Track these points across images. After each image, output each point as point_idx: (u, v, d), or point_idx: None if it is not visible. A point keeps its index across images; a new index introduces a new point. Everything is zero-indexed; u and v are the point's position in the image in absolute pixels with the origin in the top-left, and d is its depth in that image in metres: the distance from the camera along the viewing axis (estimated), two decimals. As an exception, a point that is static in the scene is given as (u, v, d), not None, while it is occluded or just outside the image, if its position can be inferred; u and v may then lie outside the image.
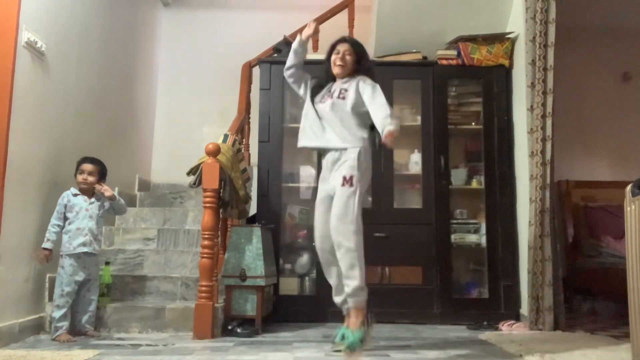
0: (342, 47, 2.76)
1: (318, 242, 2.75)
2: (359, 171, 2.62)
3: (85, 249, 3.03)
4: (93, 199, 3.16)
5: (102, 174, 3.24)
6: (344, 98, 2.72)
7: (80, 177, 3.14)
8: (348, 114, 2.70)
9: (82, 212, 3.09)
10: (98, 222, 3.15)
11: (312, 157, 3.96)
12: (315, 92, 2.87)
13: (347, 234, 2.54)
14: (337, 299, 2.76)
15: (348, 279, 2.53)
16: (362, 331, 2.49)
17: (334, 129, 2.72)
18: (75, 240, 3.03)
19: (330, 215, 2.61)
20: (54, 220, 3.04)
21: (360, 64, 2.79)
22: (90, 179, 3.15)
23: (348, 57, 2.75)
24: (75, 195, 3.12)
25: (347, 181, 2.58)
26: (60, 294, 2.96)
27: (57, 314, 2.93)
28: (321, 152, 2.86)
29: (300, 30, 4.46)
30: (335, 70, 2.77)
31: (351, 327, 2.53)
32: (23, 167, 2.92)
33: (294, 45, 2.91)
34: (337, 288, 2.73)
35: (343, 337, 2.56)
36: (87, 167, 3.16)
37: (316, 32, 2.89)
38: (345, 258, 2.53)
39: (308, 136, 2.80)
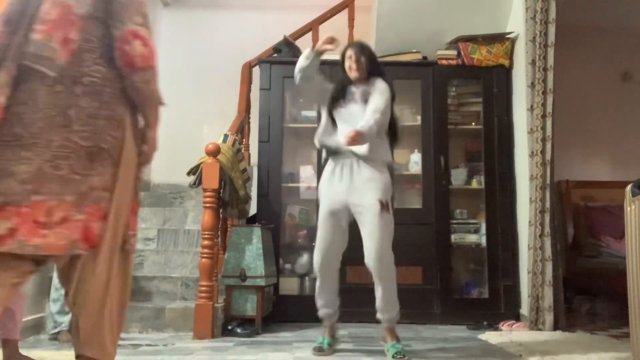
0: (353, 52, 2.72)
1: (322, 258, 2.66)
2: (390, 196, 2.62)
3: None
4: None
5: None
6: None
7: None
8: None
9: None
10: None
11: (312, 157, 3.96)
12: (334, 101, 2.74)
13: (390, 264, 2.59)
14: (327, 311, 2.74)
15: (389, 307, 2.62)
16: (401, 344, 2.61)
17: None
18: None
19: (366, 239, 2.56)
20: None
21: (373, 65, 2.76)
22: None
23: (363, 60, 2.71)
24: None
25: (385, 206, 2.53)
26: (55, 288, 2.96)
27: (55, 308, 2.93)
28: (334, 154, 2.71)
29: (301, 31, 4.51)
30: (352, 74, 2.72)
31: (394, 341, 2.62)
32: (23, 167, 2.91)
33: (305, 55, 2.69)
34: (328, 303, 2.73)
35: (327, 345, 2.66)
36: None
37: (329, 48, 2.68)
38: (386, 292, 2.60)
39: (330, 134, 2.71)
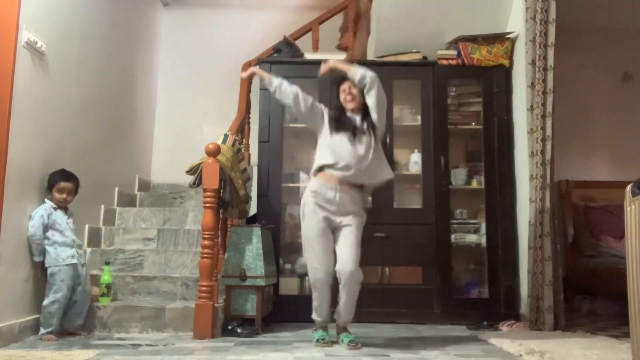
0: (346, 85, 2.91)
1: (323, 274, 2.82)
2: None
3: (74, 261, 3.04)
4: (67, 215, 3.14)
5: (77, 191, 3.20)
6: (372, 137, 2.86)
7: (59, 196, 3.07)
8: (376, 157, 2.85)
9: (64, 225, 3.07)
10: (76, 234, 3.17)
11: (312, 157, 3.94)
12: (335, 124, 2.91)
13: (359, 277, 2.79)
14: (325, 318, 2.96)
15: (350, 311, 2.87)
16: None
17: (367, 167, 2.82)
18: (63, 253, 3.01)
19: (344, 251, 2.79)
20: (39, 233, 2.96)
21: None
22: (69, 198, 3.12)
23: (354, 91, 2.89)
24: (55, 209, 3.07)
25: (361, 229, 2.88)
26: (52, 301, 2.94)
27: (52, 320, 2.93)
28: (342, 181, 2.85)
29: (301, 31, 4.51)
30: (350, 106, 2.91)
31: (346, 332, 2.90)
32: (23, 167, 2.92)
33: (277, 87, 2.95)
34: (327, 313, 2.95)
35: (329, 336, 2.91)
36: (67, 185, 3.10)
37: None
38: (351, 300, 2.83)
39: (345, 159, 2.82)
